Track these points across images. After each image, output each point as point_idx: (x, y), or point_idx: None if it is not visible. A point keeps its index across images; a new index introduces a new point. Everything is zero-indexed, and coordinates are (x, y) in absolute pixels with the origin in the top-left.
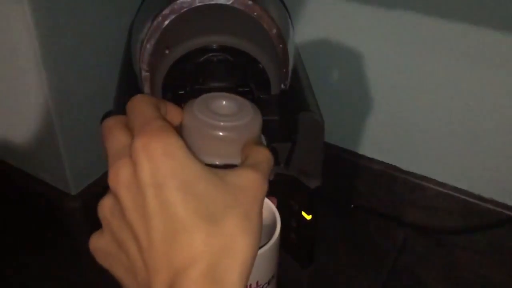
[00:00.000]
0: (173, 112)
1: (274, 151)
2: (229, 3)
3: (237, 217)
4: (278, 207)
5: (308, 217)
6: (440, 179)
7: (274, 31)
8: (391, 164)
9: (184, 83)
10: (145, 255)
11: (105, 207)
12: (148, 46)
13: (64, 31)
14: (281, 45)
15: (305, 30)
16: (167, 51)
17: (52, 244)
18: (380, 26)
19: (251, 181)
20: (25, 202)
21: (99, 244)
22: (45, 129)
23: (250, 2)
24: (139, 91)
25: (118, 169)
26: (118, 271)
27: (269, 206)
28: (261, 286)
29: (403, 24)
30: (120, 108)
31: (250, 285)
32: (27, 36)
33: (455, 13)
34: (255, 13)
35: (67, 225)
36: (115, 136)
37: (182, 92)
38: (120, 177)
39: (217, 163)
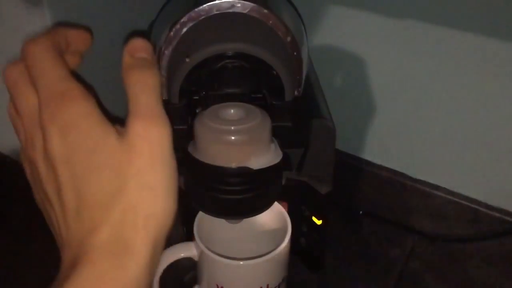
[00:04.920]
0: (76, 39)
1: (286, 157)
2: (245, 11)
3: (137, 185)
4: (289, 212)
5: (319, 222)
6: (449, 187)
7: (289, 38)
8: (400, 172)
9: (199, 88)
10: (60, 225)
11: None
12: (166, 52)
13: None
14: (295, 53)
15: (310, 36)
16: (185, 59)
17: None
18: (386, 32)
19: (140, 137)
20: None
21: (34, 192)
22: None
23: (265, 11)
24: None
25: (33, 139)
26: (47, 220)
27: (280, 210)
28: None
29: (409, 30)
30: None
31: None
32: None
33: (464, 20)
34: (270, 21)
35: None
36: (23, 94)
37: (197, 97)
38: (36, 148)
39: (233, 166)
